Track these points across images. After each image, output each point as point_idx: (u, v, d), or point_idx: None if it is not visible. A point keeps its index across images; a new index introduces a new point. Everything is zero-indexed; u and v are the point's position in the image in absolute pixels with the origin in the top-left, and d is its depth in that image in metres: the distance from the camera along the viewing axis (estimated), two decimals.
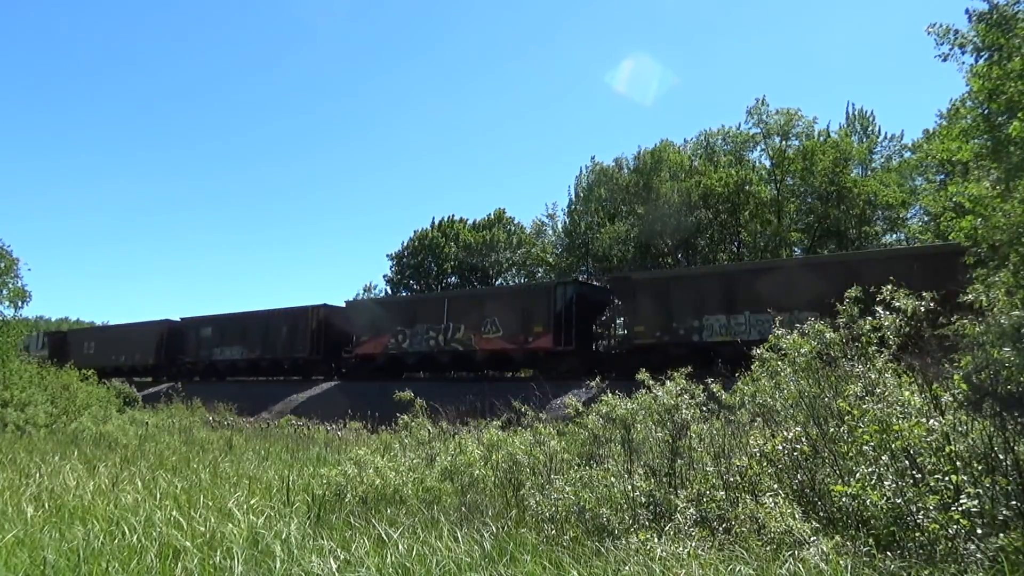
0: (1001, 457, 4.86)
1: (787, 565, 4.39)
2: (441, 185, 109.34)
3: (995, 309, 5.43)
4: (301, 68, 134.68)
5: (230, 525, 5.84)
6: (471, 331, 26.09)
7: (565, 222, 44.82)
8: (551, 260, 44.66)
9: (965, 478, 4.92)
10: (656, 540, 5.02)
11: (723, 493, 5.69)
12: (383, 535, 5.44)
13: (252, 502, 7.02)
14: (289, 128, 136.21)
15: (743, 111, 37.00)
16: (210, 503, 6.98)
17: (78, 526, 5.93)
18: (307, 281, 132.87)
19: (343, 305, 31.94)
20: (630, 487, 6.07)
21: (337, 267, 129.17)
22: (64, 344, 41.76)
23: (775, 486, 5.68)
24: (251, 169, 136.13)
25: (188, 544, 5.20)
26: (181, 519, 6.08)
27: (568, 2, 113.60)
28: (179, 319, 38.09)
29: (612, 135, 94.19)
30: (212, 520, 6.06)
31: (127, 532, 5.61)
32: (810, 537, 4.78)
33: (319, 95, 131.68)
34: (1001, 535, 4.44)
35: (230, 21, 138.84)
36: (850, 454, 5.26)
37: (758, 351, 7.15)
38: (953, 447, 5.01)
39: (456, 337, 26.54)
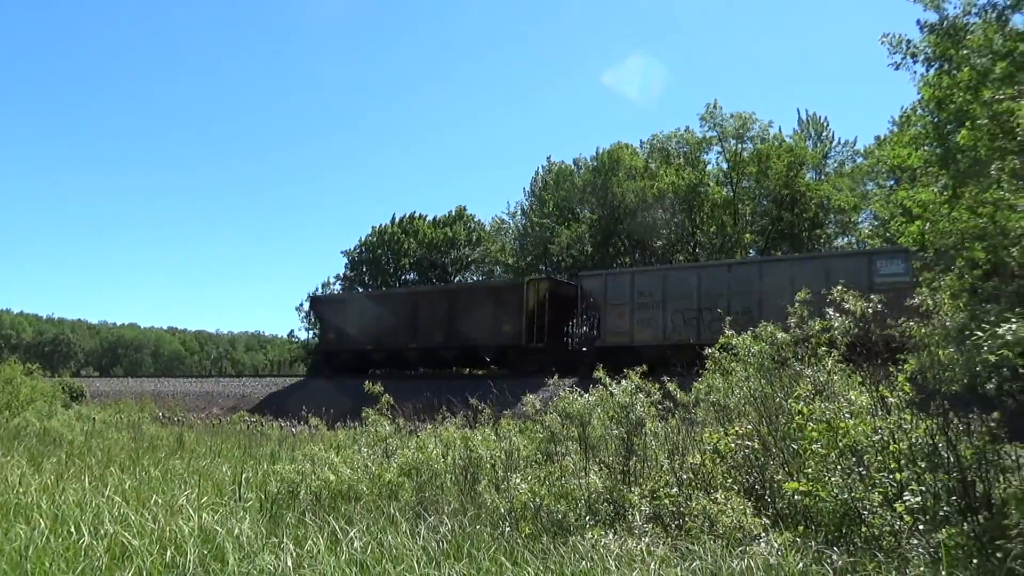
0: (944, 455, 5.02)
1: (739, 561, 4.47)
2: (405, 183, 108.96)
3: (941, 312, 5.58)
4: (273, 64, 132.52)
5: (181, 522, 5.73)
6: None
7: (522, 222, 44.88)
8: (509, 260, 44.66)
9: (909, 475, 5.07)
10: (611, 537, 5.07)
11: (677, 490, 5.77)
12: (338, 532, 5.40)
13: (204, 500, 6.90)
14: (251, 125, 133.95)
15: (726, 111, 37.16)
16: (160, 500, 6.83)
17: (21, 524, 5.76)
18: (269, 278, 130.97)
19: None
20: (585, 484, 6.12)
21: (299, 264, 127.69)
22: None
23: (728, 482, 5.79)
24: (209, 166, 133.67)
25: (137, 542, 5.09)
26: (131, 516, 5.95)
27: (531, 3, 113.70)
28: None
29: (577, 134, 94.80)
30: (162, 518, 5.94)
31: (74, 530, 5.47)
32: (761, 533, 4.87)
33: (287, 90, 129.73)
34: (943, 530, 4.58)
35: (185, 16, 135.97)
36: (807, 452, 5.37)
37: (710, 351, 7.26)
38: (898, 445, 5.16)
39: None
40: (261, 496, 7.19)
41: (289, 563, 4.65)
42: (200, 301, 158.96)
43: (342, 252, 50.41)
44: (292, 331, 64.19)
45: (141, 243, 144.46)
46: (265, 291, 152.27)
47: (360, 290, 32.41)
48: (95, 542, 5.13)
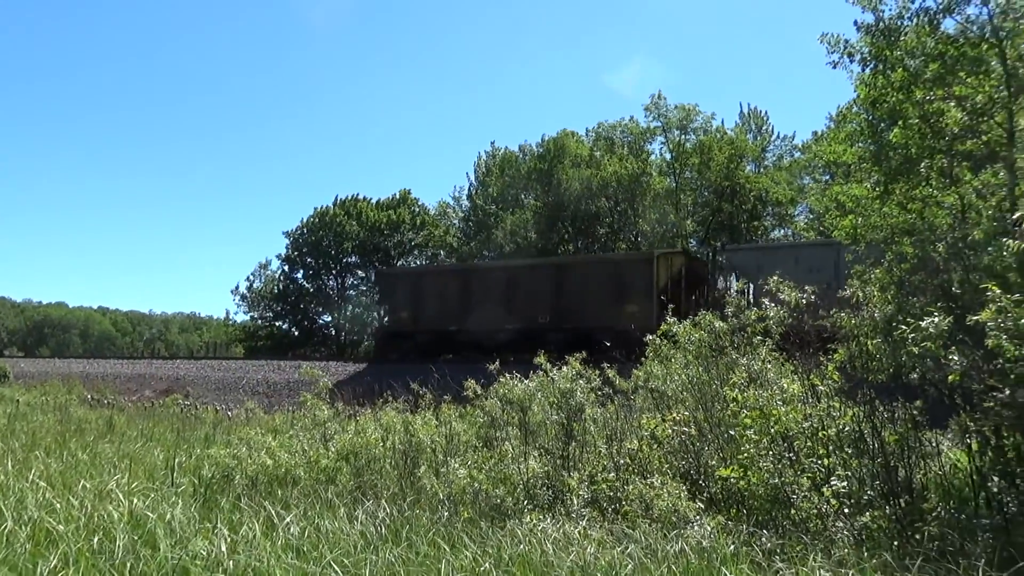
0: (869, 441, 5.21)
1: (673, 543, 4.57)
2: (350, 166, 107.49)
3: (870, 304, 5.78)
4: (214, 44, 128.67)
5: (110, 508, 5.56)
6: None
7: (467, 206, 44.70)
8: (454, 243, 44.47)
9: (836, 461, 5.26)
10: (549, 521, 5.12)
11: (614, 474, 5.86)
12: (274, 517, 5.33)
13: (134, 484, 6.71)
14: (189, 102, 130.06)
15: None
16: (88, 485, 6.62)
17: None
18: (205, 259, 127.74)
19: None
20: (525, 469, 6.17)
21: (236, 246, 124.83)
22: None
23: (664, 467, 5.90)
24: (143, 143, 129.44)
25: (63, 528, 4.93)
26: (56, 502, 5.75)
27: None
28: None
29: (529, 121, 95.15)
30: (90, 503, 5.76)
31: None
32: (695, 516, 4.99)
33: (227, 70, 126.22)
34: (867, 514, 4.77)
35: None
36: (741, 438, 5.51)
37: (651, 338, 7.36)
38: (826, 432, 5.34)
39: None
40: (194, 481, 7.04)
41: (223, 548, 4.56)
42: (133, 281, 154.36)
43: (284, 233, 49.42)
44: (227, 312, 62.89)
45: (70, 220, 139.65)
46: (201, 272, 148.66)
47: (429, 263, 29.29)
48: (18, 528, 4.95)
